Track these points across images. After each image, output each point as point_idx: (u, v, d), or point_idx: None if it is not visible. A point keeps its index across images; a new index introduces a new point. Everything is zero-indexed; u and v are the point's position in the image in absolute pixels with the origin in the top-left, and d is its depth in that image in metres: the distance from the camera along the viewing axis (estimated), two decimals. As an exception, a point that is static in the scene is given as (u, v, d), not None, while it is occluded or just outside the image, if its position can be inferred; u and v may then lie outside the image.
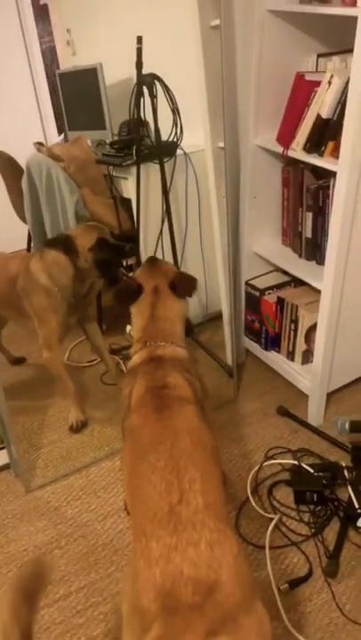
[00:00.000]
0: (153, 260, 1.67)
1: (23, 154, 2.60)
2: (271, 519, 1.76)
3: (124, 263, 2.10)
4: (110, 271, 2.10)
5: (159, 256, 2.49)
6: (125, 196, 2.60)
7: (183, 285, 1.57)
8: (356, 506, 1.70)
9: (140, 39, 2.14)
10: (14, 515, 1.89)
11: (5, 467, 2.07)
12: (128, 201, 2.57)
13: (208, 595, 0.91)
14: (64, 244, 2.03)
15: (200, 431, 1.21)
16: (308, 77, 1.82)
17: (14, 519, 1.88)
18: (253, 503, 1.82)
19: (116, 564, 1.68)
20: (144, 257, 2.20)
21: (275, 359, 2.34)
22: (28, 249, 2.86)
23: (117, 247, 2.11)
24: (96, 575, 1.66)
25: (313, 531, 1.72)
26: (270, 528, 1.72)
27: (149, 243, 2.53)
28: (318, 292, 1.94)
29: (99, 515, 1.86)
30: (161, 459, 1.12)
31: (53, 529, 1.82)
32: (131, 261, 2.11)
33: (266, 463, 1.97)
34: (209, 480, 1.09)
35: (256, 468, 1.95)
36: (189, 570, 0.93)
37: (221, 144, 2.09)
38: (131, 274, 2.07)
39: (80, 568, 1.68)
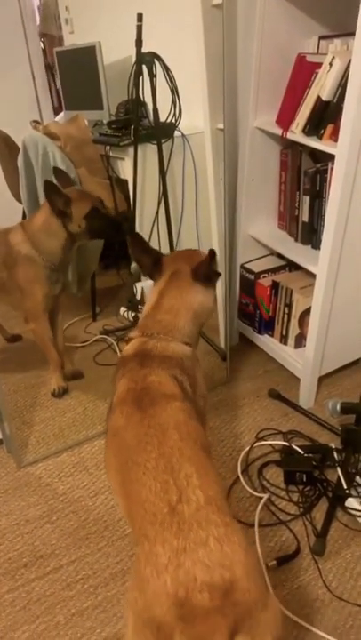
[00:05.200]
0: (190, 250, 1.52)
1: (20, 132, 2.58)
2: (261, 498, 1.78)
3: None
4: (102, 236, 2.13)
5: (155, 238, 2.50)
6: (122, 176, 2.59)
7: (203, 266, 1.38)
8: (345, 487, 1.73)
9: (140, 17, 2.12)
10: (6, 490, 1.91)
11: (-2, 443, 2.09)
12: (124, 182, 2.56)
13: (225, 596, 0.88)
14: (64, 203, 2.01)
15: (187, 426, 1.14)
16: (309, 59, 1.82)
17: (6, 494, 1.89)
18: (244, 483, 1.84)
19: (107, 539, 1.70)
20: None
21: (268, 343, 2.36)
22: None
23: (109, 219, 2.12)
24: (87, 549, 1.67)
25: (302, 510, 1.74)
26: (260, 507, 1.75)
27: (145, 224, 2.52)
28: (313, 276, 1.95)
29: (90, 491, 1.87)
30: (150, 459, 1.07)
31: (45, 504, 1.83)
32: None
33: (256, 444, 1.99)
34: (205, 474, 1.04)
35: (247, 449, 1.97)
36: (202, 574, 0.88)
37: (220, 125, 2.08)
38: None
39: (71, 542, 1.70)
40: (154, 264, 1.45)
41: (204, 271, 1.38)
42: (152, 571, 0.91)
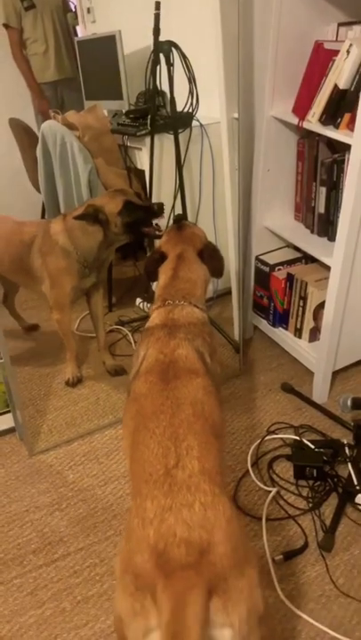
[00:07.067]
0: (180, 225, 1.68)
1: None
2: (270, 492, 1.77)
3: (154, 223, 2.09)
4: (139, 232, 2.09)
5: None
6: (139, 167, 2.58)
7: (212, 260, 1.61)
8: (356, 483, 1.71)
9: (158, 5, 2.10)
10: (17, 476, 1.93)
11: (11, 430, 2.11)
12: (142, 172, 2.56)
13: (201, 555, 0.92)
14: (94, 216, 2.01)
15: (203, 404, 1.21)
16: (327, 46, 1.78)
17: (17, 481, 1.91)
18: (253, 476, 1.83)
19: (115, 529, 1.71)
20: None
21: (282, 336, 2.33)
22: (42, 218, 2.87)
23: (145, 208, 2.07)
24: (94, 538, 1.69)
25: (311, 505, 1.72)
26: (268, 500, 1.74)
27: (162, 215, 2.51)
28: (329, 269, 1.92)
29: (100, 480, 1.88)
30: (160, 426, 1.13)
31: (55, 492, 1.85)
32: (157, 221, 2.11)
33: (267, 437, 1.98)
34: (207, 449, 1.09)
35: (258, 442, 1.96)
36: (182, 531, 0.93)
37: (236, 115, 2.05)
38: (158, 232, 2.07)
39: (79, 530, 1.71)
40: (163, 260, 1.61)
41: (213, 266, 1.60)
42: (139, 523, 0.97)
